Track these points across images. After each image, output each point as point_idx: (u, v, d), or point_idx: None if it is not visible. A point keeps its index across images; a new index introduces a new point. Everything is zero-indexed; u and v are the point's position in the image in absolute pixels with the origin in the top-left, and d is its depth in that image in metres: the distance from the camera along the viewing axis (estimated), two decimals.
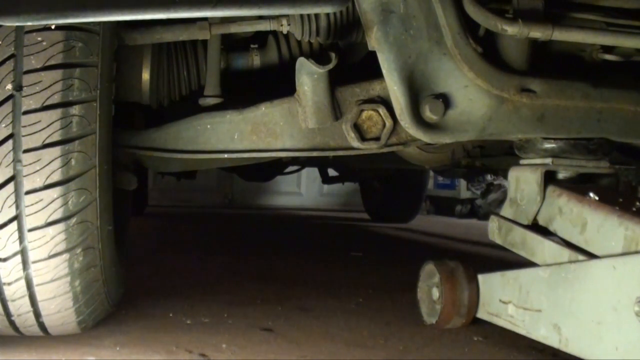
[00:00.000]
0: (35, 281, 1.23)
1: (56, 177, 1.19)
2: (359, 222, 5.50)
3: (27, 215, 1.19)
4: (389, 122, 1.44)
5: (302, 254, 3.24)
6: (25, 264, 1.22)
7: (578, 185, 1.40)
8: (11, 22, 1.08)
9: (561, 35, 1.28)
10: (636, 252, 1.10)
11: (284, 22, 1.48)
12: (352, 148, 1.50)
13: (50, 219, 1.20)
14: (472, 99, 1.34)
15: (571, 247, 1.28)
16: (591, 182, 1.45)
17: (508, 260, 1.53)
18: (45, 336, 1.38)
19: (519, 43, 1.35)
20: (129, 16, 1.09)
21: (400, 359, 1.40)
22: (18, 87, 1.18)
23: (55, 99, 1.19)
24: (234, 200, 6.63)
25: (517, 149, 1.53)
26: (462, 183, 6.45)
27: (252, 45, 1.65)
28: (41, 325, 1.32)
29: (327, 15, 1.45)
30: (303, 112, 1.47)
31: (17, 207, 1.19)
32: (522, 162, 1.52)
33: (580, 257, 1.23)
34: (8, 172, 1.18)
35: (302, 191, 6.89)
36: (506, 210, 1.52)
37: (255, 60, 1.64)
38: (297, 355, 1.38)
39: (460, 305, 1.56)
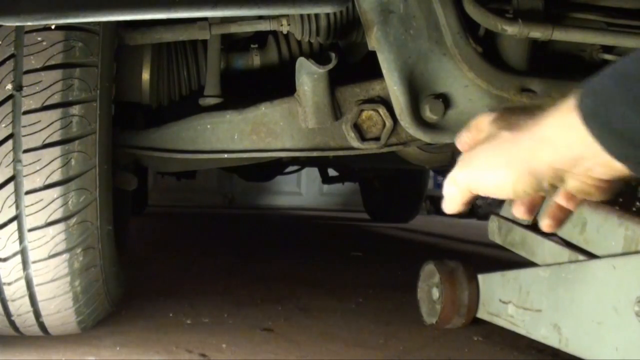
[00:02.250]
0: (35, 281, 1.23)
1: (56, 177, 1.19)
2: (359, 222, 5.50)
3: (27, 215, 1.19)
4: (389, 122, 1.44)
5: (302, 254, 3.24)
6: (25, 264, 1.22)
7: None
8: (11, 22, 1.08)
9: (561, 35, 1.28)
10: (636, 252, 1.10)
11: (284, 22, 1.48)
12: (352, 148, 1.50)
13: (50, 219, 1.20)
14: (472, 99, 1.34)
15: (571, 247, 1.28)
16: None
17: (508, 260, 1.53)
18: (45, 336, 1.38)
19: (519, 43, 1.35)
20: (129, 16, 1.09)
21: (400, 359, 1.40)
22: (18, 87, 1.18)
23: (55, 99, 1.19)
24: (234, 200, 6.63)
25: None
26: None
27: (252, 45, 1.65)
28: (41, 325, 1.32)
29: (327, 15, 1.45)
30: (303, 112, 1.47)
31: (17, 207, 1.19)
32: None
33: (580, 257, 1.23)
34: (8, 172, 1.18)
35: (302, 191, 6.89)
36: (506, 210, 1.52)
37: (255, 60, 1.64)
38: (297, 355, 1.38)
39: (460, 305, 1.56)
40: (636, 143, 0.54)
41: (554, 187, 0.63)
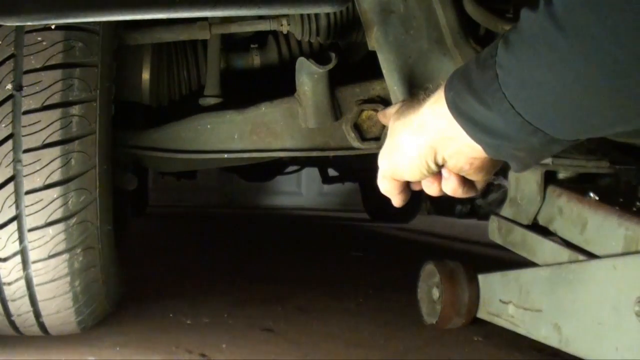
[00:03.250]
0: (35, 281, 1.23)
1: (56, 177, 1.19)
2: (359, 222, 5.50)
3: (27, 215, 1.19)
4: None
5: (302, 254, 3.24)
6: (25, 264, 1.22)
7: (578, 185, 1.40)
8: (11, 22, 1.08)
9: None
10: (636, 252, 1.09)
11: (284, 22, 1.48)
12: (352, 148, 1.50)
13: (50, 219, 1.20)
14: None
15: (571, 247, 1.28)
16: (591, 182, 1.45)
17: (508, 260, 1.53)
18: (45, 336, 1.38)
19: None
20: (129, 16, 1.09)
21: (400, 359, 1.40)
22: (18, 87, 1.18)
23: (55, 99, 1.19)
24: (234, 200, 6.63)
25: None
26: None
27: (252, 45, 1.65)
28: (41, 325, 1.32)
29: (327, 15, 1.45)
30: (303, 112, 1.47)
31: (17, 207, 1.19)
32: None
33: (581, 257, 1.23)
34: (8, 172, 1.18)
35: (302, 191, 6.89)
36: (506, 210, 1.52)
37: (255, 60, 1.64)
38: (297, 355, 1.38)
39: (460, 305, 1.56)
40: (483, 128, 0.63)
41: (439, 166, 0.74)
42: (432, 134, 0.70)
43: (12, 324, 1.31)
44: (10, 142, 1.18)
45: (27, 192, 1.19)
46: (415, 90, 1.28)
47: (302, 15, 1.45)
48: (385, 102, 1.45)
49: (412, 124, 0.73)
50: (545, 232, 1.39)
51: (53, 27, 1.18)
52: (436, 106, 0.69)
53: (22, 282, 1.23)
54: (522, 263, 1.41)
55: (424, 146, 0.72)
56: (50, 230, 1.21)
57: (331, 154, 1.53)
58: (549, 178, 1.42)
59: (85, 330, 1.40)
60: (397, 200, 0.84)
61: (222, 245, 3.51)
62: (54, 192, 1.20)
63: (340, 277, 2.49)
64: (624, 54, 0.52)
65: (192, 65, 1.65)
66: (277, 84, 1.61)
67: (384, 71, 1.31)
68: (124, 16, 1.09)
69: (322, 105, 1.45)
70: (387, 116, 0.86)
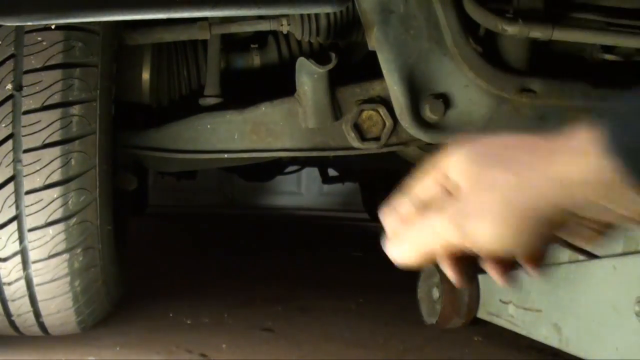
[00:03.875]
0: (35, 281, 1.23)
1: (56, 177, 1.19)
2: (359, 222, 5.49)
3: (27, 215, 1.19)
4: (389, 122, 1.44)
5: (302, 254, 3.24)
6: (25, 264, 1.22)
7: None
8: (11, 22, 1.08)
9: (561, 35, 1.28)
10: (636, 252, 1.10)
11: (284, 22, 1.48)
12: (352, 148, 1.50)
13: (50, 219, 1.20)
14: (472, 98, 1.34)
15: (571, 247, 1.28)
16: None
17: None
18: (45, 336, 1.38)
19: (519, 43, 1.35)
20: (129, 16, 1.09)
21: (400, 359, 1.40)
22: (18, 87, 1.18)
23: (55, 99, 1.19)
24: (234, 200, 6.63)
25: None
26: None
27: (252, 45, 1.65)
28: (41, 325, 1.32)
29: (327, 15, 1.45)
30: (303, 112, 1.47)
31: (17, 207, 1.19)
32: None
33: (581, 257, 1.23)
34: (8, 172, 1.18)
35: (302, 191, 6.88)
36: None
37: (255, 60, 1.64)
38: (297, 355, 1.38)
39: (460, 305, 1.56)
40: None
41: (548, 238, 0.55)
42: (586, 194, 0.49)
43: (12, 324, 1.31)
44: (10, 142, 1.18)
45: (27, 192, 1.19)
46: None
47: (302, 15, 1.45)
48: (385, 102, 1.44)
49: (545, 178, 0.51)
50: None
51: (53, 27, 1.18)
52: (594, 162, 0.49)
53: (22, 282, 1.23)
54: None
55: (554, 208, 0.51)
56: (50, 230, 1.21)
57: (331, 154, 1.53)
58: None
59: (85, 330, 1.40)
60: (411, 261, 0.57)
61: (222, 245, 3.51)
62: (54, 192, 1.20)
63: (340, 277, 2.49)
64: None
65: (192, 65, 1.65)
66: (277, 84, 1.60)
67: (384, 71, 1.31)
68: (124, 16, 1.09)
69: (322, 105, 1.45)
70: (450, 169, 0.55)
